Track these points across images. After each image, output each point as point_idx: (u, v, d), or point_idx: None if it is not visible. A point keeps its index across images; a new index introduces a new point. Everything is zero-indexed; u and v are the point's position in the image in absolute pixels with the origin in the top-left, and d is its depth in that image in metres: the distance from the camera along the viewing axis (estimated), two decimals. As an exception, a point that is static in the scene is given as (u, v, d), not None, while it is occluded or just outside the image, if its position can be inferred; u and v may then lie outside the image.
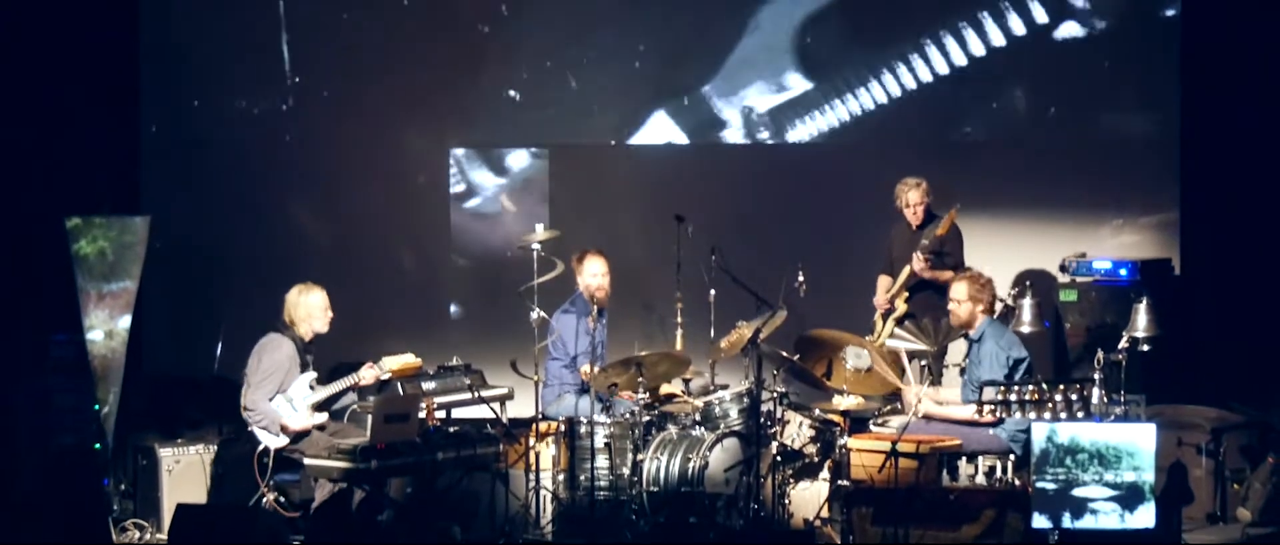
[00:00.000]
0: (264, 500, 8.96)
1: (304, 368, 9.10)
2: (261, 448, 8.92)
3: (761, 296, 9.33)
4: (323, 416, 9.06)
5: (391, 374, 9.26)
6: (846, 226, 11.26)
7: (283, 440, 8.95)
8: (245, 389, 8.96)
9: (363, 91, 11.78)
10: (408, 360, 9.19)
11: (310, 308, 9.14)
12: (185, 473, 9.52)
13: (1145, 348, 9.59)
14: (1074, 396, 8.13)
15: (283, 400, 8.96)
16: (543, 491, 9.24)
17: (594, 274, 9.89)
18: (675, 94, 11.71)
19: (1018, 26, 11.50)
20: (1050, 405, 8.15)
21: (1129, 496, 7.81)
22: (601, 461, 9.23)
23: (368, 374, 9.06)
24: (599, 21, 11.74)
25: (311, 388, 9.04)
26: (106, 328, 9.74)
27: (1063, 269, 10.98)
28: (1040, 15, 11.48)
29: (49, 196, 9.95)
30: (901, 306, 10.20)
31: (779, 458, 8.92)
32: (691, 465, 9.03)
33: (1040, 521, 7.93)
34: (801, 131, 11.68)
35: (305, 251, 11.57)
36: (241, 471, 9.08)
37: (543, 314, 9.54)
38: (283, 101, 11.76)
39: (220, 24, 11.70)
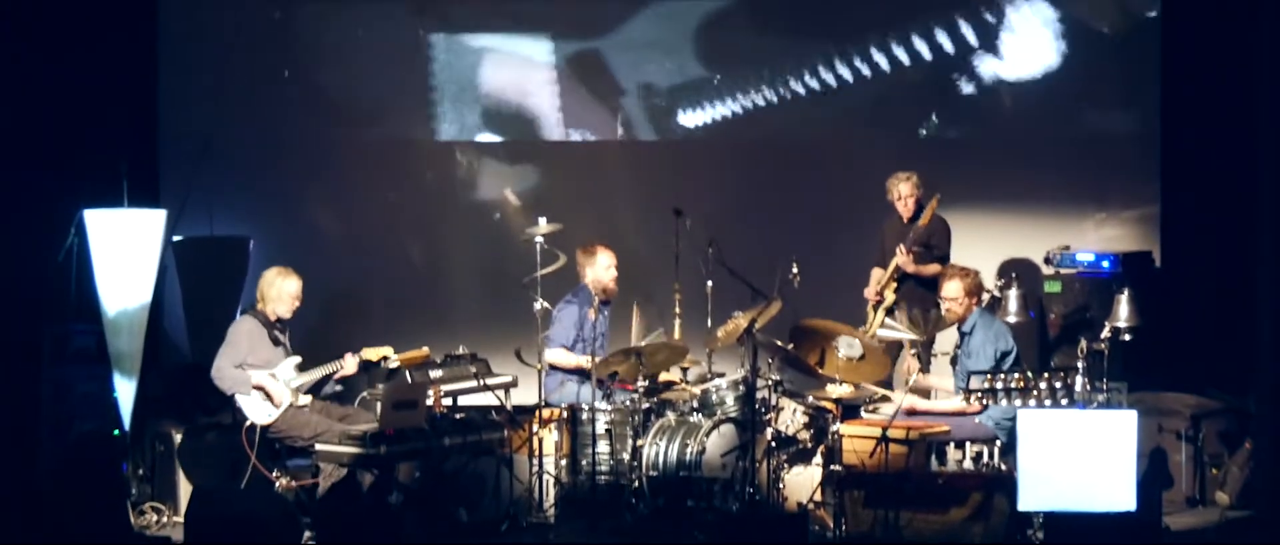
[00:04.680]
0: (278, 484, 8.99)
1: (275, 343, 9.24)
2: (248, 423, 8.98)
3: (757, 288, 9.29)
4: (306, 398, 9.15)
5: (399, 362, 9.28)
6: (839, 220, 11.24)
7: (267, 415, 9.00)
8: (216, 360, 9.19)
9: (370, 90, 11.74)
10: (387, 350, 9.34)
11: (281, 291, 9.31)
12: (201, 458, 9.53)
13: (1127, 337, 9.58)
14: (1058, 384, 8.12)
15: (266, 375, 9.06)
16: (546, 476, 9.23)
17: (607, 267, 9.86)
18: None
19: (1005, 26, 11.48)
20: (1035, 393, 8.13)
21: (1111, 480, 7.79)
22: (602, 447, 9.22)
23: (351, 362, 9.21)
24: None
25: (297, 370, 9.15)
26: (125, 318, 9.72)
27: (1047, 261, 10.96)
28: (1027, 15, 11.46)
29: (70, 190, 9.91)
30: (890, 297, 10.17)
31: (774, 443, 8.90)
32: (689, 450, 9.01)
33: (1025, 504, 7.90)
34: (799, 124, 11.67)
35: (317, 244, 11.53)
36: (218, 455, 9.34)
37: (546, 304, 9.52)
38: (295, 99, 11.73)
39: (235, 23, 11.65)
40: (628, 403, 9.27)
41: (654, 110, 11.73)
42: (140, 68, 11.41)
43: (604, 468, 9.20)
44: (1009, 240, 11.25)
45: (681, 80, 11.69)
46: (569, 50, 11.72)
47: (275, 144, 11.71)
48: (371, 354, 9.28)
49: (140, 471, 9.56)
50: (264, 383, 9.06)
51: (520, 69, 11.73)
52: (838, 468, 8.72)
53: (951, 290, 9.03)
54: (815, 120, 11.67)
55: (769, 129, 11.70)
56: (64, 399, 9.66)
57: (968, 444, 8.78)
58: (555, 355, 9.70)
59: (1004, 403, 8.25)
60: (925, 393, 9.27)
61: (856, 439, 8.76)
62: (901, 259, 10.06)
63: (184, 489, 9.37)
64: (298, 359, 9.23)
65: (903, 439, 8.58)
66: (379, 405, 8.73)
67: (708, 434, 9.03)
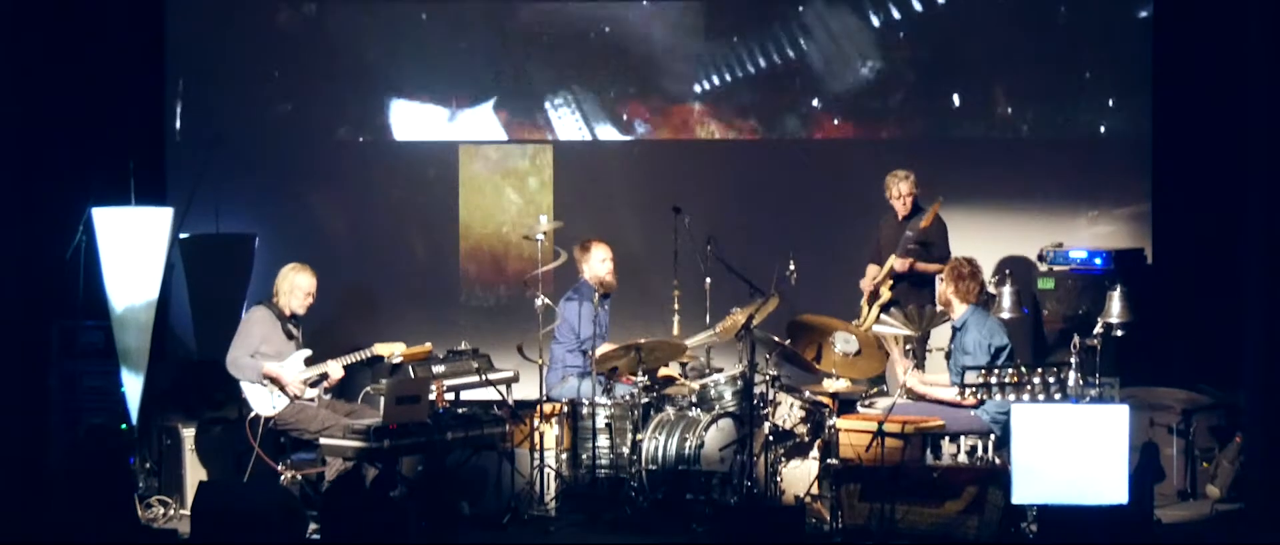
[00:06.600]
0: (283, 477, 9.00)
1: (288, 336, 9.27)
2: (252, 414, 9.02)
3: (754, 284, 9.30)
4: (313, 392, 9.15)
5: (402, 358, 9.29)
6: (835, 218, 11.25)
7: (272, 407, 9.03)
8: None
9: (376, 89, 11.75)
10: (399, 345, 9.37)
11: (294, 285, 9.32)
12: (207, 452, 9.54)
13: (1119, 333, 9.58)
14: (1051, 379, 8.13)
15: (276, 366, 9.09)
16: (547, 469, 9.23)
17: (603, 260, 9.88)
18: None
19: (999, 27, 11.49)
20: (1029, 388, 8.14)
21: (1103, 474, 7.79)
22: (602, 441, 9.23)
23: (335, 368, 9.21)
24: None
25: (305, 364, 9.18)
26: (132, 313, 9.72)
27: (1041, 258, 10.99)
28: (1021, 16, 11.48)
29: (78, 189, 9.92)
30: (886, 293, 10.18)
31: (771, 437, 8.90)
32: (688, 445, 9.01)
33: (1019, 497, 7.91)
34: (798, 123, 11.70)
35: (321, 242, 11.53)
36: (228, 449, 9.33)
37: (547, 301, 9.53)
38: (300, 99, 11.74)
39: (242, 23, 11.66)
40: (627, 397, 9.28)
41: (655, 107, 11.74)
42: (148, 68, 11.40)
43: (604, 461, 9.21)
44: (1003, 238, 11.26)
45: (682, 76, 11.70)
46: (570, 51, 11.72)
47: (280, 143, 11.71)
48: (383, 349, 9.29)
49: (148, 465, 9.57)
50: (273, 372, 9.08)
51: (521, 69, 11.72)
52: (834, 461, 8.73)
53: (940, 288, 9.14)
54: (813, 119, 11.67)
55: (767, 127, 11.71)
56: (72, 393, 9.68)
57: (962, 438, 8.78)
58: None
59: (998, 397, 8.26)
60: (919, 399, 9.27)
61: (853, 433, 8.77)
62: (899, 265, 10.07)
63: (191, 482, 9.37)
64: (307, 352, 9.24)
65: (898, 433, 8.58)
66: (382, 400, 8.73)
67: (706, 428, 9.04)
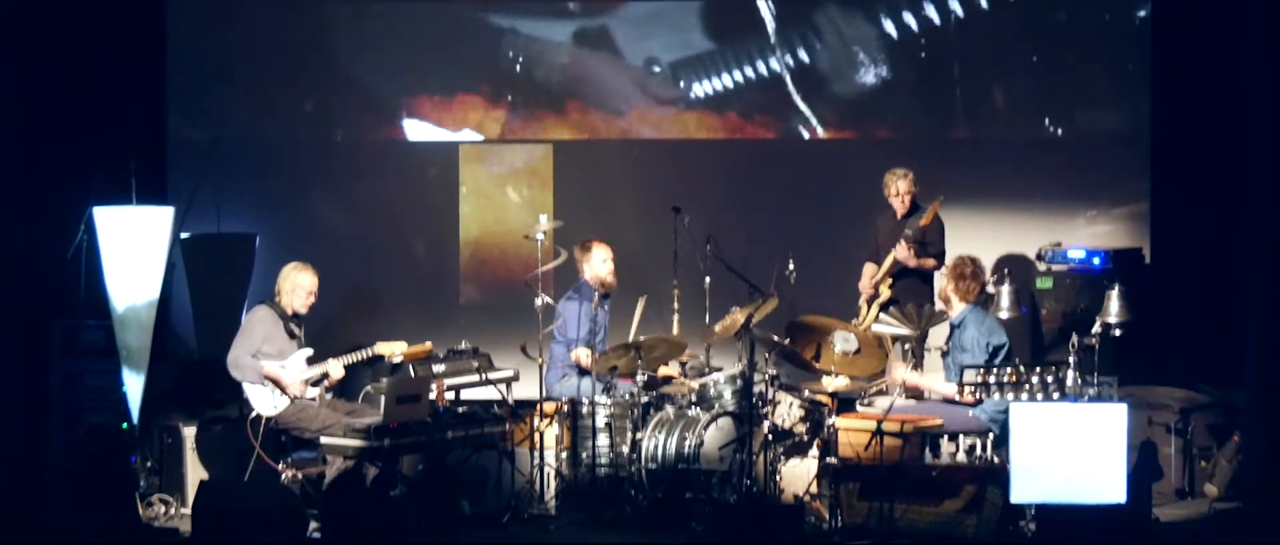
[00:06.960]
0: (283, 476, 9.00)
1: (291, 336, 9.27)
2: (253, 414, 9.03)
3: (754, 284, 9.31)
4: (313, 391, 9.17)
5: (403, 357, 9.30)
6: (834, 218, 11.26)
7: (274, 407, 9.03)
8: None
9: (376, 89, 11.75)
10: (402, 344, 9.37)
11: (295, 284, 9.32)
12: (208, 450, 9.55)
13: (1117, 332, 9.60)
14: (1050, 378, 8.14)
15: (277, 366, 9.09)
16: (547, 468, 9.24)
17: (604, 261, 9.88)
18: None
19: (998, 27, 11.50)
20: (1027, 387, 8.15)
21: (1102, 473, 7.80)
22: (602, 440, 9.24)
23: (336, 368, 9.21)
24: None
25: (307, 363, 9.18)
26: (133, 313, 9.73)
27: (1039, 258, 10.99)
28: (1021, 16, 11.49)
29: (79, 188, 9.93)
30: (885, 292, 10.18)
31: (770, 436, 8.91)
32: (687, 443, 9.02)
33: (1017, 496, 7.91)
34: (797, 123, 11.69)
35: (322, 241, 11.54)
36: (229, 448, 9.33)
37: (547, 300, 9.54)
38: (301, 98, 11.74)
39: (242, 22, 11.66)
40: (627, 396, 9.29)
41: (656, 108, 11.75)
42: (149, 68, 11.41)
43: (604, 460, 9.22)
44: (1002, 237, 11.27)
45: (683, 76, 11.70)
46: (570, 50, 11.73)
47: (281, 142, 11.72)
48: (384, 349, 9.30)
49: (149, 464, 9.58)
50: (274, 373, 9.08)
51: (521, 68, 11.73)
52: (833, 460, 8.74)
53: (940, 283, 9.14)
54: (813, 119, 11.68)
55: (767, 127, 11.71)
56: (74, 392, 9.69)
57: (961, 437, 8.79)
58: (580, 354, 9.68)
59: (997, 396, 8.27)
60: (917, 394, 9.28)
61: (852, 432, 8.78)
62: (902, 252, 10.07)
63: (192, 481, 9.38)
64: (309, 351, 9.24)
65: (897, 432, 8.59)
66: (383, 399, 8.74)
67: (706, 427, 9.04)
